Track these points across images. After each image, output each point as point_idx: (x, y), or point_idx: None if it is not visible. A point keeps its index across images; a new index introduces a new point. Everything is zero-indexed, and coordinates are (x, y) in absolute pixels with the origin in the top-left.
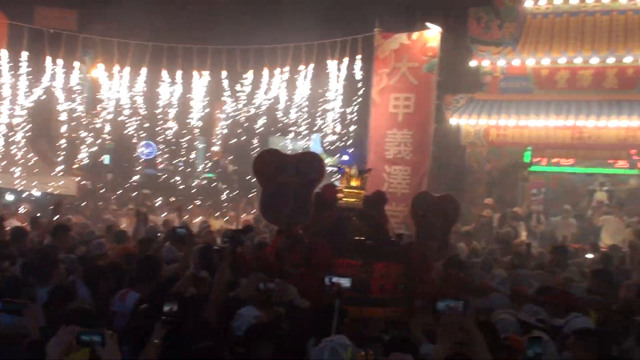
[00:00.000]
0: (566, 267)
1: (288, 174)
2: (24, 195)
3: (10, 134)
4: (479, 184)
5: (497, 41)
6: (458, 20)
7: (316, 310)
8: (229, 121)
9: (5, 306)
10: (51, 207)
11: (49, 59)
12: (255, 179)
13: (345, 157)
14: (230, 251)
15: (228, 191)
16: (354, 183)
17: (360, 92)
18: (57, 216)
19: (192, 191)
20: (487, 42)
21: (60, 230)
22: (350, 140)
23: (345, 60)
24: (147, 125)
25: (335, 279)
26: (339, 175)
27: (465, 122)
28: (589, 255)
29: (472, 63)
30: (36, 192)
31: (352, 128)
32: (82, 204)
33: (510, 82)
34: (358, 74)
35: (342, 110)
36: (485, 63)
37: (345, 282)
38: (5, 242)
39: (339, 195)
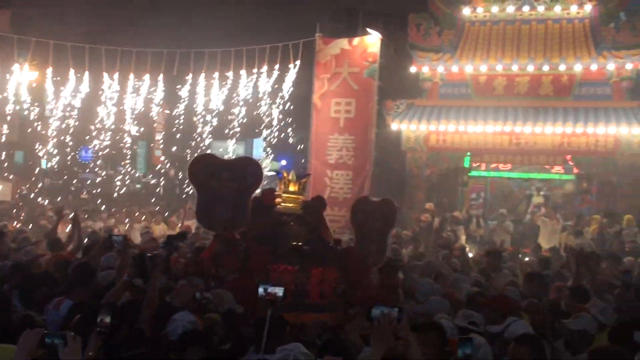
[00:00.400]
0: (500, 270)
1: (224, 179)
2: None
3: None
4: (419, 188)
5: (436, 48)
6: (398, 27)
7: (255, 319)
8: (170, 125)
9: None
10: None
11: None
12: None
13: (284, 162)
14: (164, 257)
15: (170, 196)
16: (292, 188)
17: (302, 96)
18: None
19: (133, 196)
20: (427, 48)
21: None
22: (292, 145)
23: (287, 65)
24: (85, 129)
25: (270, 289)
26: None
27: (406, 127)
28: (528, 259)
29: (412, 69)
30: None
31: (293, 133)
32: (17, 210)
33: (450, 88)
34: (300, 79)
35: (284, 114)
36: (425, 69)
37: (279, 291)
38: None
39: (278, 200)
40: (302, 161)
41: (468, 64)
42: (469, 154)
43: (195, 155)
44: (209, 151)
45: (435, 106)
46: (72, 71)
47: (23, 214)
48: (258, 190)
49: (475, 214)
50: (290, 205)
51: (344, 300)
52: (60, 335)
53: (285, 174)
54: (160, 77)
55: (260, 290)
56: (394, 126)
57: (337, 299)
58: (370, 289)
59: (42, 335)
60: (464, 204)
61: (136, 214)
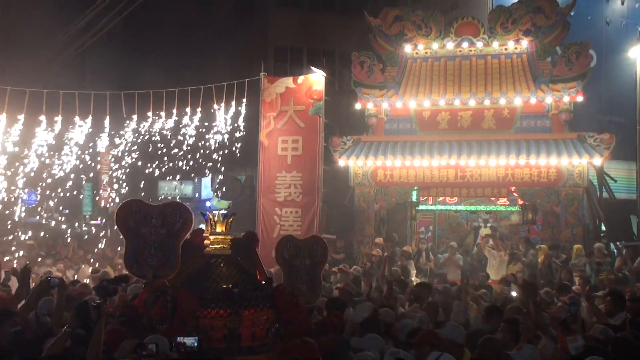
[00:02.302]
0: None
1: (153, 225)
2: None
3: None
4: (368, 223)
5: (380, 84)
6: (342, 65)
7: None
8: (116, 166)
9: None
10: None
11: None
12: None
13: (208, 203)
14: (102, 304)
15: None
16: (219, 228)
17: (249, 135)
18: None
19: (81, 239)
20: (371, 85)
21: None
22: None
23: (233, 104)
24: (27, 171)
25: (180, 339)
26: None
27: (353, 163)
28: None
29: (357, 106)
30: None
31: (241, 171)
32: None
33: (395, 123)
34: (246, 118)
35: (231, 153)
36: (370, 106)
37: (189, 341)
38: None
39: (206, 242)
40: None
41: (412, 99)
42: (416, 188)
43: (123, 200)
44: (160, 191)
45: (381, 142)
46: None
47: None
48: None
49: (425, 248)
50: (219, 246)
51: (277, 340)
52: None
53: (210, 215)
54: (107, 119)
55: (172, 343)
56: (342, 162)
57: (271, 340)
58: (306, 325)
59: None
60: (413, 238)
61: (89, 257)
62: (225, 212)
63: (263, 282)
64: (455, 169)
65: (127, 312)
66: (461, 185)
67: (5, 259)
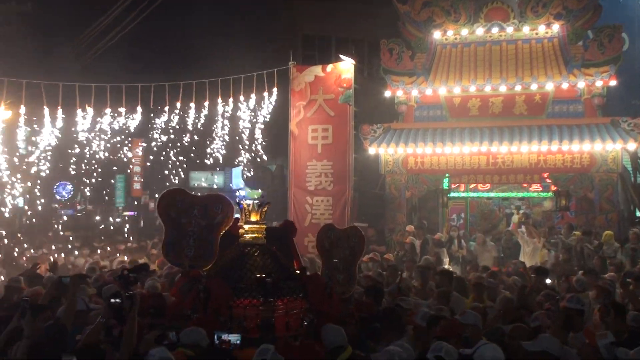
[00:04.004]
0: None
1: (194, 216)
2: None
3: None
4: (399, 211)
5: (409, 71)
6: (371, 52)
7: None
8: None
9: None
10: None
11: None
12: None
13: (243, 192)
14: (134, 294)
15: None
16: (253, 217)
17: (280, 124)
18: None
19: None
20: (400, 72)
21: None
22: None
23: (264, 94)
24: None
25: (224, 336)
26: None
27: (384, 151)
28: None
29: (387, 93)
30: None
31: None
32: None
33: (425, 110)
34: (276, 107)
35: (262, 143)
36: (399, 93)
37: (234, 339)
38: None
39: (240, 231)
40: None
41: (442, 86)
42: (447, 175)
43: (166, 189)
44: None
45: (411, 129)
46: (46, 109)
47: (2, 255)
48: None
49: (456, 235)
50: (254, 235)
51: (311, 330)
52: None
53: (245, 204)
54: (138, 110)
55: (215, 337)
56: (372, 150)
57: (304, 330)
58: (337, 317)
59: None
60: (444, 225)
61: (122, 248)
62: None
63: (297, 272)
64: (487, 155)
65: (155, 303)
66: (493, 172)
67: (44, 250)
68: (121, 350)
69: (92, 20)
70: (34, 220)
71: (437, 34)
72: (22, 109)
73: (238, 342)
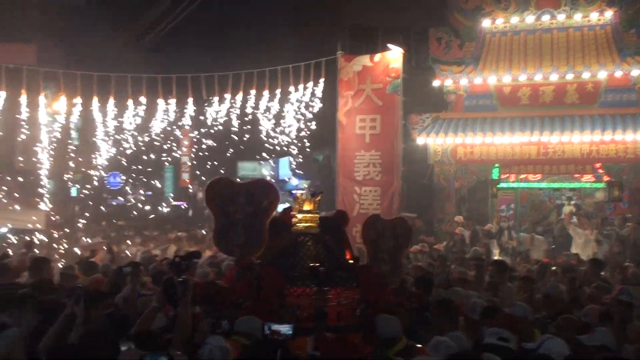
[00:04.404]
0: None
1: (241, 203)
2: None
3: None
4: (448, 201)
5: (458, 60)
6: (418, 42)
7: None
8: (197, 148)
9: None
10: (23, 249)
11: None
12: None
13: (296, 182)
14: (187, 280)
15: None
16: (307, 207)
17: (327, 114)
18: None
19: (164, 220)
20: (449, 61)
21: (41, 264)
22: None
23: (310, 84)
24: (113, 155)
25: (275, 327)
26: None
27: (432, 141)
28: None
29: (435, 82)
30: (3, 228)
31: (319, 151)
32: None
33: (474, 100)
34: (323, 97)
35: (309, 133)
36: (448, 82)
37: (285, 329)
38: None
39: (294, 220)
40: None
41: (491, 75)
42: (497, 165)
43: (212, 179)
44: (239, 171)
45: (460, 118)
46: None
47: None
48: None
49: (506, 226)
50: (307, 224)
51: (364, 320)
52: (164, 356)
53: (298, 194)
54: (189, 100)
55: (265, 328)
56: (420, 140)
57: (357, 320)
58: (389, 308)
59: (140, 357)
60: (493, 216)
61: (174, 237)
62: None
63: (350, 262)
64: (538, 145)
65: (207, 291)
66: (544, 162)
67: (99, 239)
68: (175, 336)
69: (142, 14)
70: (86, 209)
71: (486, 23)
72: (78, 100)
73: (290, 332)
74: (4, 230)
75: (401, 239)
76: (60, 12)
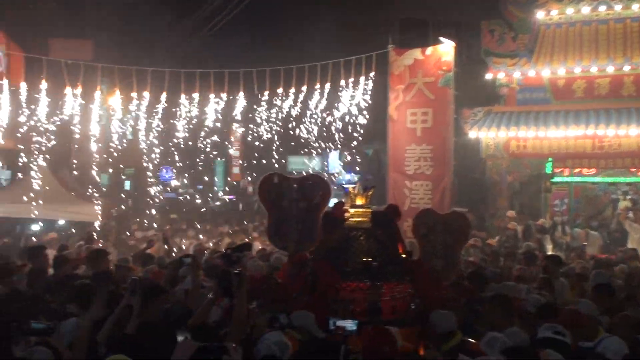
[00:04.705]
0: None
1: (293, 199)
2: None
3: (32, 164)
4: (500, 196)
5: (511, 53)
6: (470, 34)
7: (324, 345)
8: (247, 143)
9: (35, 327)
10: (81, 241)
11: (68, 89)
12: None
13: (348, 176)
14: (242, 272)
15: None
16: (359, 201)
17: (377, 109)
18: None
19: (215, 214)
20: (502, 54)
21: (99, 255)
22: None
23: (361, 78)
24: (165, 149)
25: (339, 323)
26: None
27: (485, 134)
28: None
29: (488, 76)
30: (61, 221)
31: (369, 145)
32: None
33: (528, 93)
34: (374, 91)
35: (359, 127)
36: (501, 75)
37: (350, 325)
38: (41, 270)
39: (346, 215)
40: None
41: (545, 68)
42: (550, 159)
43: (265, 174)
44: (289, 166)
45: (513, 112)
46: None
47: (113, 236)
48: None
49: (560, 221)
50: (359, 219)
51: (418, 314)
52: (218, 348)
53: (350, 188)
54: (240, 95)
55: (330, 323)
56: (473, 134)
57: (411, 314)
58: (443, 302)
59: (196, 349)
60: (546, 211)
61: (226, 230)
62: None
63: (403, 256)
64: (593, 139)
65: (265, 285)
66: (599, 156)
67: (154, 232)
68: (231, 329)
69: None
70: (139, 202)
71: (540, 14)
72: (134, 94)
73: (354, 328)
74: (62, 222)
75: (457, 234)
76: (116, 7)
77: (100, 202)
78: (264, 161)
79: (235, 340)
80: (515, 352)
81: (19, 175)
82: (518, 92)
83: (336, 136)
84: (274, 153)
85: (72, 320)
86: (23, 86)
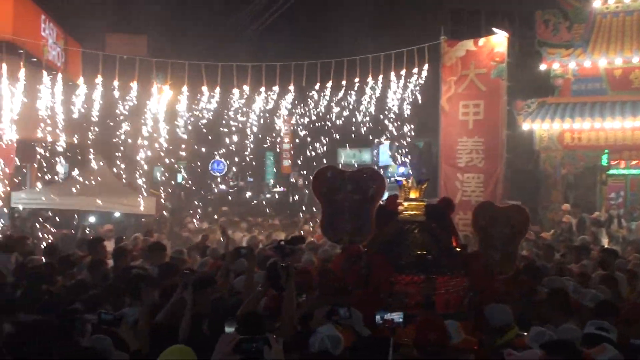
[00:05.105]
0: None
1: (347, 191)
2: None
3: (87, 158)
4: (554, 188)
5: (566, 43)
6: (523, 25)
7: (372, 342)
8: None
9: (104, 317)
10: (138, 234)
11: (124, 84)
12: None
13: (402, 169)
14: (290, 265)
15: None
16: (413, 194)
17: (428, 101)
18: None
19: (267, 206)
20: (557, 44)
21: (156, 248)
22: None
23: (413, 70)
24: (216, 142)
25: (387, 316)
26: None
27: (538, 126)
28: None
29: (542, 66)
30: (116, 213)
31: (420, 138)
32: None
33: (583, 84)
34: (425, 83)
35: (410, 120)
36: (556, 66)
37: (397, 317)
38: (100, 262)
39: (400, 208)
40: (419, 166)
41: (601, 57)
42: (606, 151)
43: (318, 167)
44: (340, 158)
45: (568, 103)
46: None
47: (167, 228)
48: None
49: (616, 214)
50: (413, 212)
51: (473, 308)
52: (262, 339)
53: (404, 182)
54: (291, 88)
55: (377, 318)
56: (526, 126)
57: (465, 308)
58: (498, 296)
59: (238, 341)
60: (602, 204)
61: (277, 223)
62: (396, 181)
63: (457, 249)
64: None
65: (324, 278)
66: None
67: (206, 224)
68: (281, 322)
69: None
70: (191, 195)
71: (597, 3)
72: (184, 89)
73: (401, 320)
74: (117, 214)
75: (516, 227)
76: (169, 2)
77: (154, 195)
78: (314, 153)
79: (285, 333)
80: (554, 346)
81: (76, 169)
82: (573, 83)
83: (387, 129)
84: (325, 146)
85: (133, 310)
86: (80, 81)
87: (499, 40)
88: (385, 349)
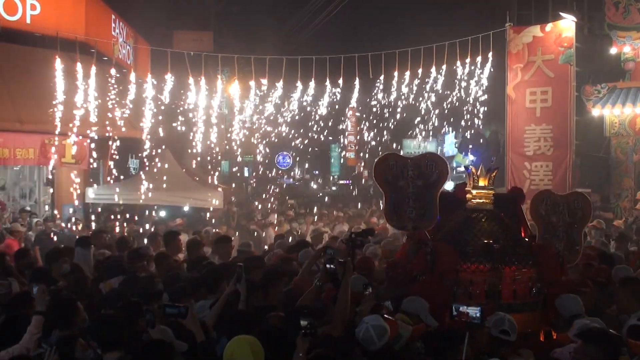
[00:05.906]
0: None
1: (410, 177)
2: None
3: (155, 153)
4: (626, 175)
5: (638, 26)
6: (591, 8)
7: (446, 335)
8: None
9: (170, 310)
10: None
11: (191, 80)
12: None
13: (472, 157)
14: (350, 256)
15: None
16: (481, 183)
17: (494, 89)
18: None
19: (332, 199)
20: (628, 27)
21: (222, 241)
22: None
23: (478, 58)
24: (283, 136)
25: (462, 308)
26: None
27: (609, 112)
28: None
29: (612, 50)
30: (185, 207)
31: (486, 126)
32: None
33: None
34: (492, 71)
35: (476, 109)
36: (627, 49)
37: (473, 311)
38: (165, 255)
39: (468, 196)
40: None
41: None
42: None
43: (380, 155)
44: (401, 150)
45: None
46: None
47: (234, 221)
48: (448, 186)
49: None
50: (481, 200)
51: (540, 300)
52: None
53: (473, 169)
54: (356, 80)
55: (453, 309)
56: (595, 112)
57: (533, 299)
58: (566, 287)
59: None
60: None
61: (343, 215)
62: (466, 168)
63: (526, 239)
64: None
65: (390, 272)
66: None
67: (274, 217)
68: (335, 316)
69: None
70: (258, 188)
71: None
72: (252, 84)
73: (477, 315)
74: (186, 208)
75: (580, 214)
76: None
77: (222, 189)
78: (374, 143)
79: (339, 327)
80: (590, 335)
81: (147, 164)
82: None
83: (452, 118)
84: (389, 137)
85: (201, 302)
86: (149, 78)
87: (566, 25)
88: (459, 345)
